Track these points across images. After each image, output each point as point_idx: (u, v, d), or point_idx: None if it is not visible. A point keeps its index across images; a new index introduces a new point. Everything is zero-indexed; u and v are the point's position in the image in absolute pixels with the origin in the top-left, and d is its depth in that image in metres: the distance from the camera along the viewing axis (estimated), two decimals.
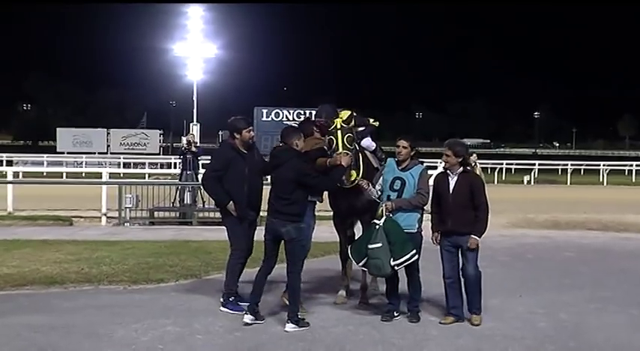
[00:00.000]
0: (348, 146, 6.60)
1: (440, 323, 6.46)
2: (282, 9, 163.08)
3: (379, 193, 6.62)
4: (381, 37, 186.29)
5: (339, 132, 6.63)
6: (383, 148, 7.66)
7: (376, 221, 6.37)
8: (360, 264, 6.51)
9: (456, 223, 6.37)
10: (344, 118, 6.72)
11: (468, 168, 6.63)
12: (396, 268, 6.36)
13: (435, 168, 19.67)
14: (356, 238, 7.27)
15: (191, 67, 34.42)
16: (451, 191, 6.43)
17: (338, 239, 7.39)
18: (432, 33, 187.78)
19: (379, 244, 6.28)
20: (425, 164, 6.77)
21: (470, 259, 6.45)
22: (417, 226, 6.51)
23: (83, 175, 28.87)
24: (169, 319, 6.40)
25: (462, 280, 6.53)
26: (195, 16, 34.00)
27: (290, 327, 6.13)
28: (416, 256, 6.38)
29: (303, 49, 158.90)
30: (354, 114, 7.08)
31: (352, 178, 6.65)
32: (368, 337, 6.03)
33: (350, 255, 6.67)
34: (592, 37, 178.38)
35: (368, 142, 7.32)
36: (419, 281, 6.65)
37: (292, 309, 6.23)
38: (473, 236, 6.37)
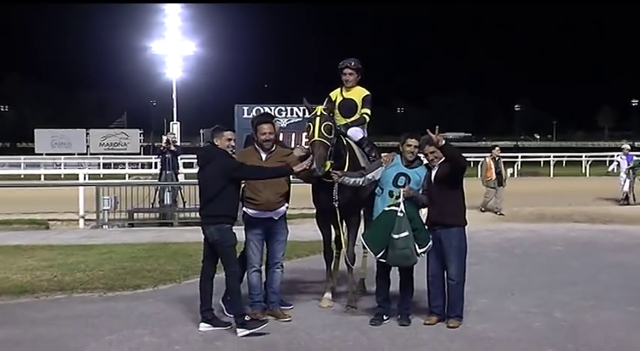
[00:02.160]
0: (325, 134, 6.28)
1: (424, 324, 6.18)
2: (260, 4, 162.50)
3: (365, 182, 6.34)
4: (361, 33, 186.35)
5: (317, 119, 6.34)
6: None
7: (395, 208, 6.01)
8: (379, 255, 6.08)
9: (439, 213, 6.15)
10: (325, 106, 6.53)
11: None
12: (422, 255, 6.08)
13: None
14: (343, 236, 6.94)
15: (170, 65, 33.91)
16: (433, 181, 6.21)
17: (322, 238, 7.05)
18: (412, 28, 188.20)
19: (406, 233, 5.94)
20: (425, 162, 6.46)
21: (453, 259, 6.16)
22: None
23: (62, 176, 28.25)
24: (146, 329, 6.03)
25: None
26: (172, 14, 33.48)
27: (240, 332, 5.83)
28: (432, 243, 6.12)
29: (284, 46, 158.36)
30: (369, 95, 7.10)
31: (326, 169, 6.30)
32: (356, 343, 5.71)
33: (366, 246, 6.25)
34: (571, 32, 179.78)
35: (354, 131, 7.05)
36: (412, 282, 6.37)
37: (235, 313, 5.94)
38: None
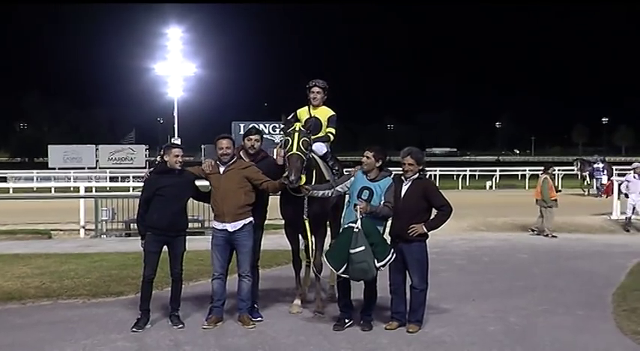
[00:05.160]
0: (302, 149, 6.26)
1: (385, 329, 6.08)
2: (257, 27, 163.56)
3: (334, 193, 6.27)
4: (353, 54, 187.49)
5: (296, 134, 6.31)
6: (351, 159, 7.40)
7: (352, 224, 5.89)
8: (340, 271, 5.91)
9: (402, 227, 5.99)
10: (303, 123, 6.51)
11: (423, 175, 6.25)
12: (381, 269, 5.93)
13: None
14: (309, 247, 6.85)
15: (172, 85, 33.91)
16: (402, 196, 6.08)
17: (290, 248, 6.98)
18: (401, 50, 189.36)
19: (362, 248, 5.78)
20: (393, 175, 6.29)
21: (415, 271, 6.05)
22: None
23: (72, 189, 28.11)
24: (121, 334, 5.93)
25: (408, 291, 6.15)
26: (174, 37, 33.54)
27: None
28: (394, 256, 5.93)
29: (279, 65, 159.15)
30: (335, 116, 7.02)
31: (302, 182, 6.24)
32: (317, 347, 5.60)
33: (327, 263, 6.04)
34: (548, 53, 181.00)
35: (319, 146, 6.96)
36: (375, 290, 6.25)
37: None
38: (422, 225, 5.95)
